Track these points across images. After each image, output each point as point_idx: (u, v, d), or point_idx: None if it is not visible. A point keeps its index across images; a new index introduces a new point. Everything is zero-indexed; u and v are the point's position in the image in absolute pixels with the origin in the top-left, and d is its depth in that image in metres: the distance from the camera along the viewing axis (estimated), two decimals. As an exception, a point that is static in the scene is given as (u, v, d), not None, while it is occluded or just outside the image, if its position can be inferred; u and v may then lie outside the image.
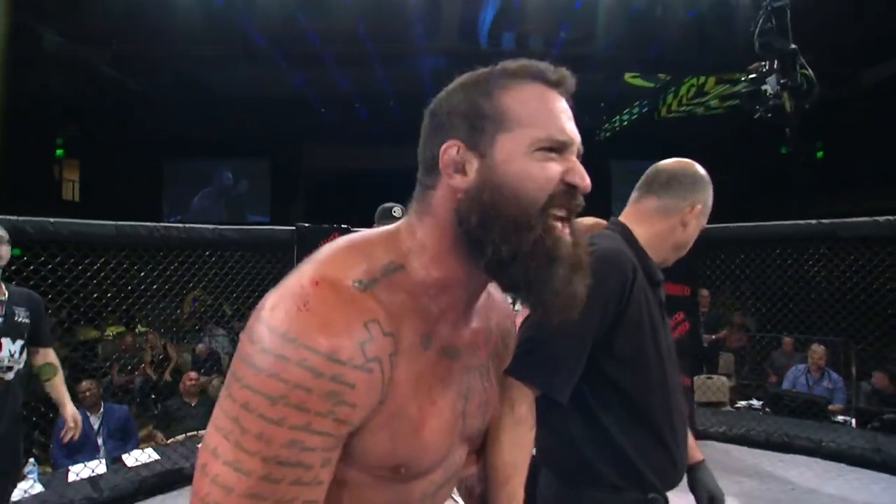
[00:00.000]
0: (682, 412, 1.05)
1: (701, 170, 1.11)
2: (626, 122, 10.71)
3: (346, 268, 0.51)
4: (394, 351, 0.50)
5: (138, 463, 2.96)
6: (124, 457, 3.02)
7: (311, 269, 0.51)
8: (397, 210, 2.44)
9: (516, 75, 0.55)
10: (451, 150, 0.53)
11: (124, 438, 3.41)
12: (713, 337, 5.62)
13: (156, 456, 3.06)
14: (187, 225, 3.25)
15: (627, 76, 9.42)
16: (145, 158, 10.08)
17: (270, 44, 7.48)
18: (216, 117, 9.45)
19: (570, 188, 0.53)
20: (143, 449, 3.17)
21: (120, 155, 9.72)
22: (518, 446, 0.82)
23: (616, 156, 11.00)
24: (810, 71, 2.19)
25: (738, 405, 4.28)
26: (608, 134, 11.27)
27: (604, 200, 11.53)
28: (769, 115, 2.25)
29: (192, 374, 4.06)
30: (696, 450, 1.14)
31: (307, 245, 3.36)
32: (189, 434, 3.59)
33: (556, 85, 0.56)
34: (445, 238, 0.54)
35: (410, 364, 0.52)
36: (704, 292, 5.19)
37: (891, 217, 2.92)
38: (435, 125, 0.56)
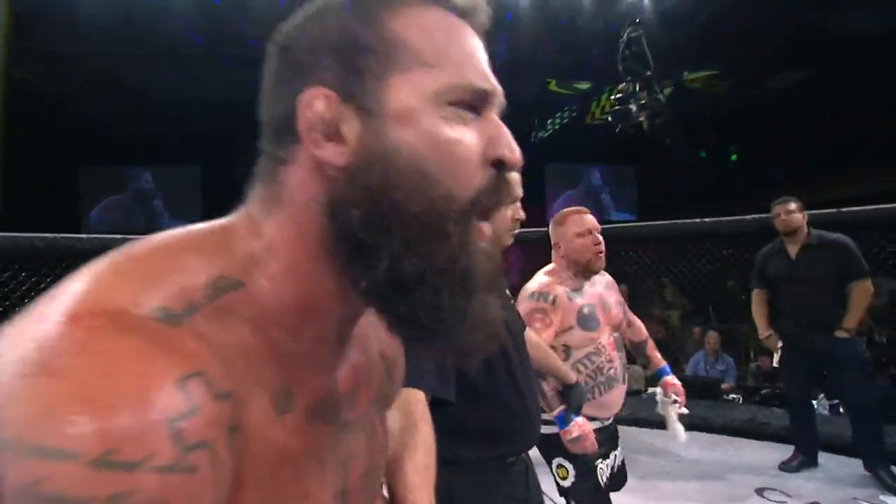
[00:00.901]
0: (531, 385, 1.20)
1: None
2: (557, 127, 11.16)
3: (141, 288, 0.31)
4: (233, 424, 0.31)
5: None
6: None
7: (76, 295, 0.30)
8: None
9: None
10: (316, 104, 0.34)
11: None
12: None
13: None
14: (91, 236, 3.14)
15: (551, 84, 9.88)
16: (63, 165, 9.49)
17: (204, 44, 7.27)
18: (142, 121, 9.04)
19: (498, 167, 0.37)
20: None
21: (36, 161, 9.08)
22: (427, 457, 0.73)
23: (550, 159, 11.46)
24: (662, 95, 2.48)
25: (648, 391, 4.62)
26: (543, 136, 11.69)
27: (539, 202, 11.99)
28: (631, 130, 2.52)
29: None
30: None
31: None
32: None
33: (465, 14, 0.38)
34: (307, 238, 0.36)
35: (262, 443, 0.33)
36: (622, 287, 5.57)
37: (757, 215, 3.29)
38: (287, 66, 0.37)
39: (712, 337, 4.37)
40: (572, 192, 12.30)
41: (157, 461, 0.26)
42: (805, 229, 2.81)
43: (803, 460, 2.91)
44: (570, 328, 1.63)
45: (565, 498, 1.61)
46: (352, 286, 0.36)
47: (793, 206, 2.81)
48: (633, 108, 2.42)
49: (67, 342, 0.27)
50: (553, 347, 1.61)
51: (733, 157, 12.57)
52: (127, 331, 0.29)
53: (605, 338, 1.68)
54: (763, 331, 3.00)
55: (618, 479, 1.71)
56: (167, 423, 0.27)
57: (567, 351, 1.64)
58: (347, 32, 0.36)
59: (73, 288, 0.31)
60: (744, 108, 10.39)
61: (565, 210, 1.76)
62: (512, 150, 0.37)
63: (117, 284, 0.31)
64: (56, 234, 2.99)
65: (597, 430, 1.58)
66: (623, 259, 3.92)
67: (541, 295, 1.63)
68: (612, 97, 2.48)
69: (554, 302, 1.62)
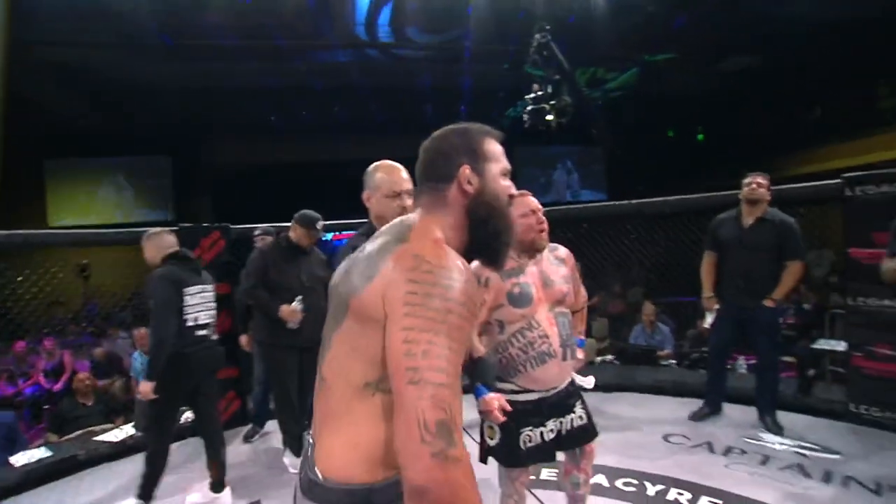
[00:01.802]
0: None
1: (374, 166, 1.74)
2: (526, 109, 11.41)
3: (439, 233, 0.88)
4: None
5: (26, 462, 3.02)
6: (11, 459, 3.07)
7: (433, 233, 0.86)
8: (320, 224, 2.97)
9: (486, 132, 0.95)
10: (465, 170, 0.90)
11: (10, 446, 3.38)
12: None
13: (48, 453, 3.14)
14: (53, 230, 3.33)
15: (527, 67, 10.11)
16: (27, 158, 9.41)
17: (166, 34, 7.28)
18: (108, 111, 9.02)
19: (511, 197, 0.96)
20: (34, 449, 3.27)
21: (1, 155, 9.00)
22: None
23: (522, 142, 11.74)
24: (568, 98, 2.79)
25: (597, 360, 5.04)
26: (513, 118, 11.94)
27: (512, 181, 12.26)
28: (542, 127, 2.84)
29: (82, 375, 4.13)
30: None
31: (187, 245, 3.56)
32: (85, 430, 3.71)
33: (500, 140, 0.96)
34: (459, 221, 0.90)
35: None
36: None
37: (682, 196, 3.65)
38: (442, 154, 0.92)
39: (648, 309, 4.79)
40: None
41: (474, 284, 0.80)
42: (765, 204, 3.04)
43: (709, 411, 3.34)
44: (502, 305, 1.72)
45: (488, 456, 1.77)
46: (469, 243, 0.92)
47: (762, 179, 3.04)
48: (545, 107, 2.72)
49: (443, 246, 0.83)
50: (488, 322, 1.75)
51: (700, 136, 13.06)
52: (445, 246, 0.83)
53: (542, 314, 1.72)
54: (707, 291, 3.24)
55: (571, 439, 1.80)
56: (472, 272, 0.83)
57: (501, 325, 1.73)
58: (470, 145, 0.93)
59: (430, 231, 0.86)
60: (707, 91, 10.82)
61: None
62: (514, 190, 0.98)
63: (435, 231, 0.87)
64: (26, 231, 3.17)
65: (533, 401, 1.72)
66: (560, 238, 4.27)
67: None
68: (527, 96, 2.74)
69: (486, 283, 1.71)
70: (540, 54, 2.76)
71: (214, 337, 2.66)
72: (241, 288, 3.22)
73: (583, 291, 2.01)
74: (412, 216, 0.91)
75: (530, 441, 1.72)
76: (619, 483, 2.56)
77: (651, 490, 2.51)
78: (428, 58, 8.63)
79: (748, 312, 3.03)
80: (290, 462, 2.99)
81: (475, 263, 1.72)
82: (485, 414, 1.62)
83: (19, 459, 3.08)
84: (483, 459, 1.79)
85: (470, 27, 7.65)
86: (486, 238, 0.91)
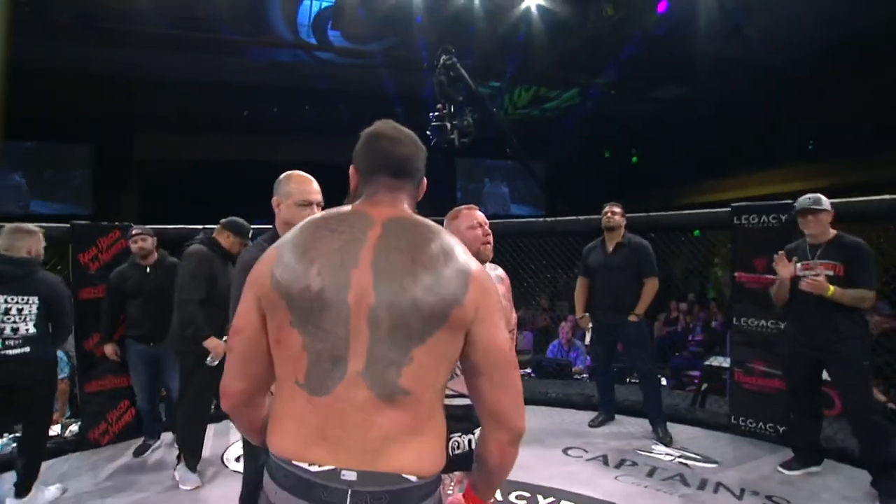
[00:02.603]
0: None
1: (286, 175, 1.72)
2: (466, 123, 11.61)
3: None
4: None
5: None
6: None
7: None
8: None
9: None
10: (424, 180, 1.01)
11: None
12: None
13: None
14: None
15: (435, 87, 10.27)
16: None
17: (77, 18, 6.84)
18: (25, 95, 8.31)
19: None
20: None
21: None
22: None
23: (460, 154, 11.89)
24: (471, 119, 2.91)
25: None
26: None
27: (450, 194, 12.44)
28: (445, 145, 2.94)
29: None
30: None
31: (83, 243, 3.34)
32: None
33: None
34: (413, 208, 0.99)
35: None
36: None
37: (591, 216, 3.80)
38: (421, 157, 0.98)
39: (565, 327, 4.97)
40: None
41: None
42: (622, 230, 3.40)
43: (604, 418, 3.60)
44: None
45: None
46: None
47: (617, 209, 3.42)
48: (448, 125, 2.81)
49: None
50: None
51: (634, 158, 13.77)
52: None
53: None
54: (579, 311, 3.62)
55: None
56: None
57: None
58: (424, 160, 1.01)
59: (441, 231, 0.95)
60: (640, 114, 11.45)
61: (457, 207, 1.92)
62: None
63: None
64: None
65: (463, 407, 1.68)
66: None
67: None
68: (431, 113, 2.84)
69: None
70: (447, 75, 2.85)
71: (20, 350, 2.43)
72: (178, 296, 2.76)
73: (514, 316, 2.05)
74: (411, 214, 0.96)
75: (458, 448, 1.71)
76: (512, 496, 2.61)
77: (543, 502, 2.57)
78: (365, 64, 8.62)
79: (615, 327, 3.37)
80: (183, 477, 2.83)
81: None
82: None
83: None
84: None
85: (418, 35, 7.72)
86: None
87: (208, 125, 9.90)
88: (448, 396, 1.67)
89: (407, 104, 9.77)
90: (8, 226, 2.52)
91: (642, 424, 3.51)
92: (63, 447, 3.23)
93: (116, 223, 3.53)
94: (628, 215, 3.45)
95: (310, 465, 0.80)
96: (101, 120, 9.33)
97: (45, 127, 9.14)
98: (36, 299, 2.46)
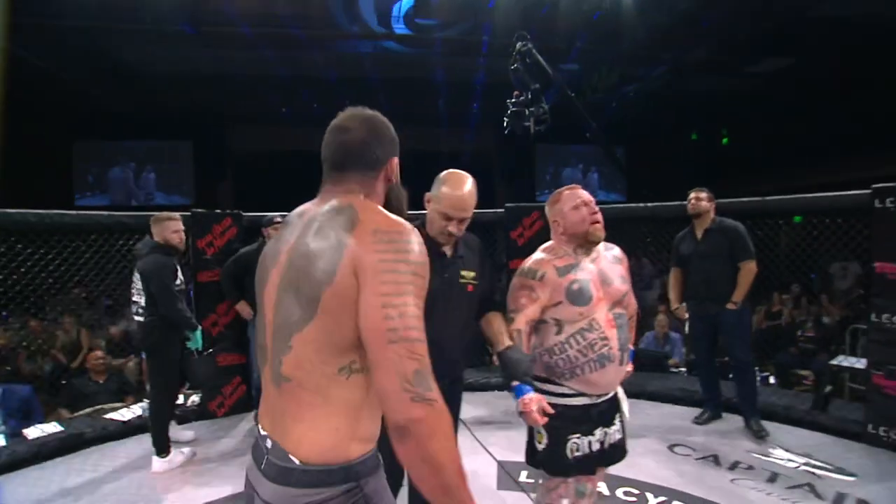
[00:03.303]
0: (445, 335, 1.61)
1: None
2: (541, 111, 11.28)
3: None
4: None
5: (39, 436, 3.12)
6: (25, 431, 3.18)
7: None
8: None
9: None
10: (394, 162, 0.99)
11: (26, 417, 3.55)
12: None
13: (59, 428, 3.23)
14: (79, 212, 3.38)
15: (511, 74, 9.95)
16: (54, 139, 9.65)
17: (186, 21, 7.36)
18: (133, 95, 9.16)
19: None
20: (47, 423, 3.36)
21: (26, 136, 9.24)
22: None
23: (540, 139, 11.60)
24: (545, 106, 2.80)
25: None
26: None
27: (529, 180, 12.22)
28: (519, 133, 2.88)
29: (98, 353, 4.22)
30: (499, 343, 1.61)
31: (201, 230, 3.61)
32: (95, 408, 3.80)
33: None
34: (380, 199, 0.97)
35: None
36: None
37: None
38: (375, 143, 0.95)
39: (660, 320, 4.71)
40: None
41: (423, 244, 0.90)
42: (711, 215, 3.23)
43: (710, 415, 3.39)
44: (559, 303, 1.60)
45: (535, 461, 1.68)
46: (386, 205, 0.96)
47: (703, 194, 3.25)
48: (525, 112, 2.74)
49: (393, 216, 0.89)
50: (544, 321, 1.64)
51: (724, 140, 12.75)
52: (394, 216, 0.90)
53: (601, 313, 1.61)
54: (673, 303, 3.47)
55: (610, 455, 1.70)
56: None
57: (559, 324, 1.62)
58: (394, 138, 0.99)
59: (375, 207, 0.91)
60: (734, 93, 10.54)
61: (558, 190, 1.77)
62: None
63: (378, 207, 0.93)
64: (48, 211, 3.21)
65: (581, 406, 1.63)
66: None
67: (530, 271, 1.65)
68: (508, 100, 2.81)
69: (542, 278, 1.62)
70: (522, 62, 2.81)
71: (139, 318, 2.85)
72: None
73: (633, 301, 1.83)
74: (342, 201, 0.90)
75: (577, 450, 1.63)
76: (619, 493, 2.51)
77: (652, 501, 2.45)
78: (444, 52, 8.56)
79: (714, 318, 3.19)
80: (163, 467, 2.84)
81: (534, 257, 1.73)
82: (523, 416, 1.52)
83: (32, 433, 3.17)
84: (530, 462, 1.71)
85: (490, 21, 7.56)
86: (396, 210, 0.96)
87: (296, 118, 10.39)
88: (564, 395, 1.62)
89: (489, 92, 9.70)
90: (166, 214, 2.94)
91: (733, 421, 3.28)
92: (188, 416, 3.56)
93: (228, 211, 3.78)
94: (741, 199, 3.21)
95: (262, 430, 0.92)
96: (199, 116, 10.09)
97: (155, 125, 10.03)
98: (138, 276, 2.83)
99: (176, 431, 3.09)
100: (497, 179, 11.88)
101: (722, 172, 10.64)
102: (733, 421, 3.34)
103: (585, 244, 1.68)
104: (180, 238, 2.91)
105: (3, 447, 3.01)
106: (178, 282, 2.85)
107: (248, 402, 3.72)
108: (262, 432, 0.92)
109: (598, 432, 1.66)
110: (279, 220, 3.46)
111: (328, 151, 0.96)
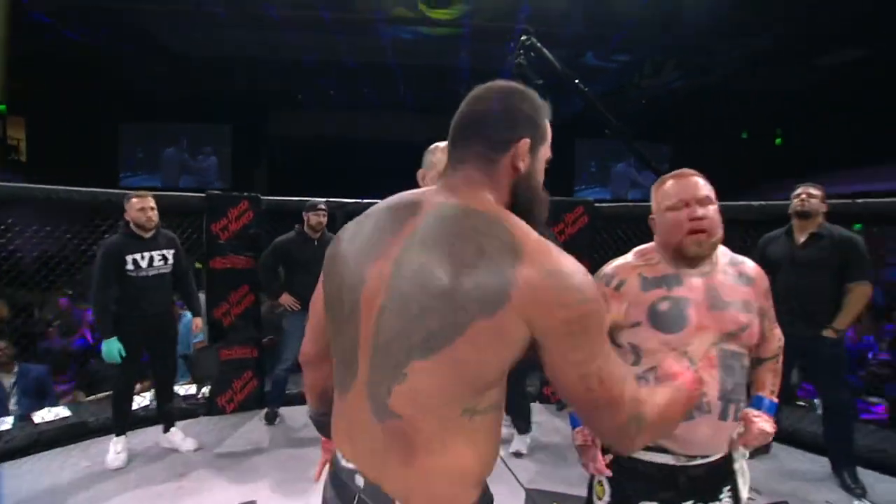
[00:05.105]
0: None
1: (435, 145, 1.60)
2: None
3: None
4: None
5: (45, 420, 3.06)
6: (33, 414, 3.11)
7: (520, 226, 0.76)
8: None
9: (546, 107, 0.83)
10: (526, 144, 0.78)
11: (39, 397, 3.50)
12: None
13: (66, 413, 3.15)
14: (116, 190, 3.26)
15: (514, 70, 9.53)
16: (98, 117, 9.88)
17: (226, 5, 7.30)
18: (175, 78, 9.26)
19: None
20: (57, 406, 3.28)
21: (70, 114, 9.50)
22: None
23: (580, 134, 11.12)
24: (547, 102, 2.51)
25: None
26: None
27: (567, 176, 11.76)
28: None
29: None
30: None
31: (216, 213, 3.42)
32: (108, 393, 3.70)
33: (551, 124, 0.86)
34: (504, 201, 0.78)
35: None
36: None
37: (768, 202, 3.11)
38: (506, 117, 0.78)
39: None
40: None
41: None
42: (820, 217, 2.67)
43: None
44: (638, 324, 1.20)
45: None
46: (513, 209, 0.78)
47: (815, 191, 2.67)
48: None
49: (558, 249, 0.72)
50: (617, 344, 1.23)
51: (778, 140, 11.86)
52: (556, 247, 0.73)
53: (698, 346, 1.17)
54: None
55: None
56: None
57: (636, 353, 1.21)
58: (536, 116, 0.81)
59: (527, 230, 0.73)
60: (792, 89, 9.73)
61: (663, 176, 1.33)
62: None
63: (526, 227, 0.75)
64: (95, 189, 3.16)
65: (666, 467, 1.20)
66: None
67: (606, 277, 1.28)
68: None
69: (618, 287, 1.24)
70: (527, 56, 2.61)
71: None
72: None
73: (778, 332, 1.39)
74: (468, 202, 0.75)
75: None
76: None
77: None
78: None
79: (806, 343, 2.56)
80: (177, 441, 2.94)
81: (620, 259, 1.29)
82: (581, 453, 1.24)
83: (40, 416, 3.09)
84: None
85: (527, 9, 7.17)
86: (526, 209, 0.80)
87: (336, 103, 10.31)
88: (641, 449, 1.13)
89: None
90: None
91: (814, 461, 2.83)
92: (196, 410, 3.40)
93: (245, 193, 3.59)
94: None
95: (346, 460, 0.81)
96: (240, 100, 10.13)
97: (198, 108, 10.14)
98: None
99: (177, 440, 2.93)
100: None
101: (774, 173, 9.92)
102: (789, 458, 2.87)
103: (679, 258, 1.23)
104: (146, 217, 2.70)
105: (7, 431, 2.92)
106: (130, 266, 2.66)
107: (260, 397, 3.53)
108: (348, 464, 0.80)
109: None
110: (322, 206, 3.25)
111: (452, 124, 0.81)
